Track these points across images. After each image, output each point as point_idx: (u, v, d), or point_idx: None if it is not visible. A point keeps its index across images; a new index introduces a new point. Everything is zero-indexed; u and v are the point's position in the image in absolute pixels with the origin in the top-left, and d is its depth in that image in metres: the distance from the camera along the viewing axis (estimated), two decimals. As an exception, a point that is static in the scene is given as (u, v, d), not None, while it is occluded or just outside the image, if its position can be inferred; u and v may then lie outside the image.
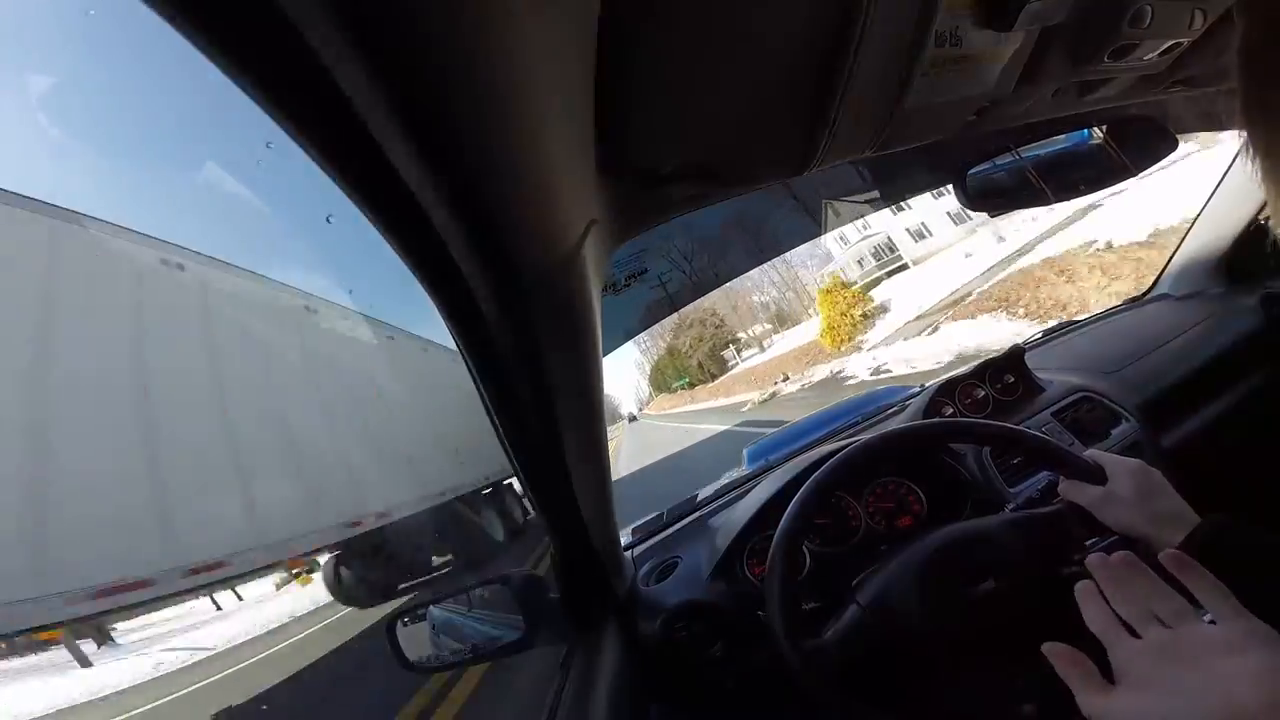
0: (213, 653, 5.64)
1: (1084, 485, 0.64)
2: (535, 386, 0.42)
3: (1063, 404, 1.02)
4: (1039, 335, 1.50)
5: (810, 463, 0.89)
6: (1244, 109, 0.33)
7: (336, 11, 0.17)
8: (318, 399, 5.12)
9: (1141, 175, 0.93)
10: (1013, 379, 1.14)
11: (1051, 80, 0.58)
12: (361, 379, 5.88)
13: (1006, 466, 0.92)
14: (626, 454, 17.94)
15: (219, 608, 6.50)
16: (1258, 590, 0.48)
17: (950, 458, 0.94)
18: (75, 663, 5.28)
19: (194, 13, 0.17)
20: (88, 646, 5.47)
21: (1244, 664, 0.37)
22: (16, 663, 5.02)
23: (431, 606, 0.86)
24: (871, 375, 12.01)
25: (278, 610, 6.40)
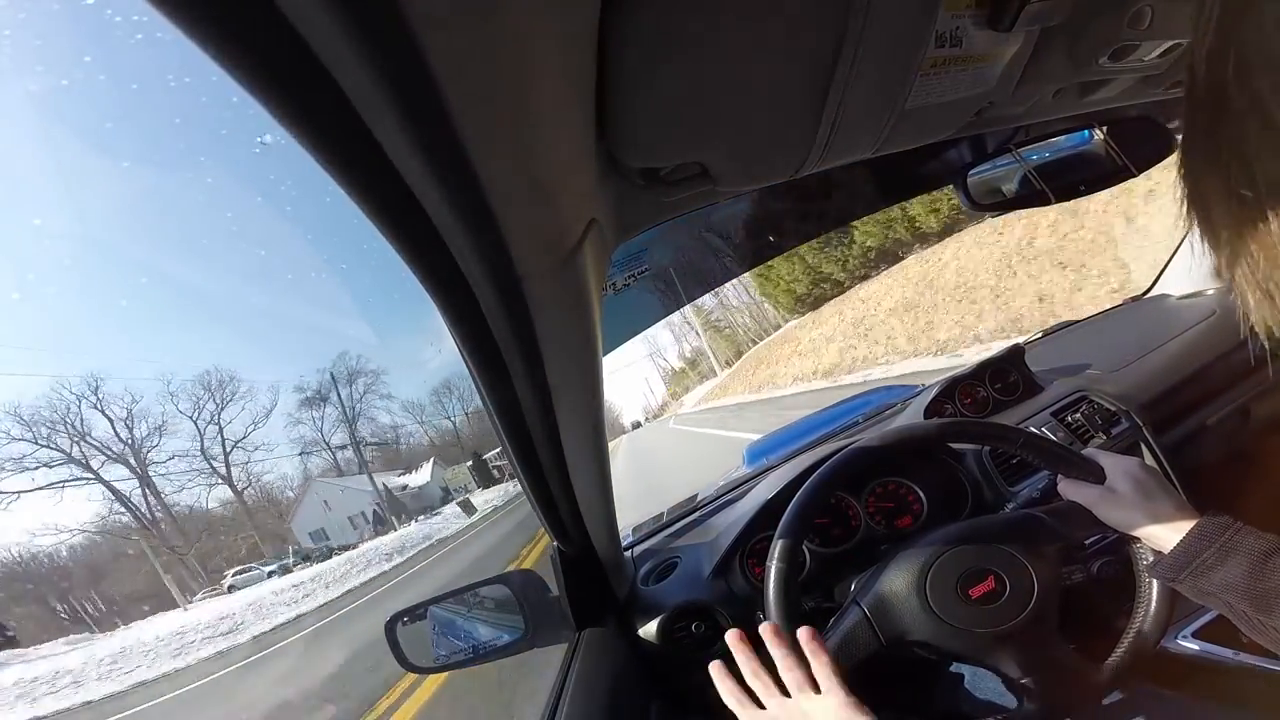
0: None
1: (1083, 484, 0.65)
2: (535, 386, 0.42)
3: (1062, 404, 1.02)
4: (1039, 335, 1.50)
5: (810, 463, 0.89)
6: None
7: (337, 11, 0.17)
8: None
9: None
10: (1013, 379, 1.15)
11: (1052, 81, 0.58)
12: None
13: (1006, 466, 0.92)
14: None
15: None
16: (1255, 587, 0.48)
17: (950, 458, 0.94)
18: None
19: (194, 11, 0.17)
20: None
21: None
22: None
23: (432, 606, 0.86)
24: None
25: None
